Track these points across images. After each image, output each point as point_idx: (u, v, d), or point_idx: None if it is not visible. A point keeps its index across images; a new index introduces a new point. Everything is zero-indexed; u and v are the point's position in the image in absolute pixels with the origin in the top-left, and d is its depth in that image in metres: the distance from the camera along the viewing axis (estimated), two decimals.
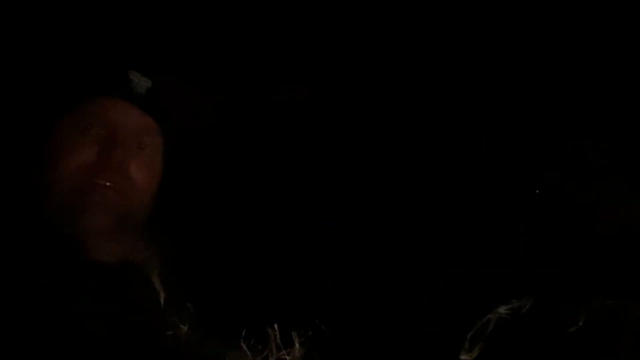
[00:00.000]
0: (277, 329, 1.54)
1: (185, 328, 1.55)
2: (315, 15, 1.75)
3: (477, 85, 1.80)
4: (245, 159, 1.70)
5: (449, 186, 1.72)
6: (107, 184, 1.52)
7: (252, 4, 1.77)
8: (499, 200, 1.71)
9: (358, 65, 1.76)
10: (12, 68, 1.74)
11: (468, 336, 1.56)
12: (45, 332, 1.48)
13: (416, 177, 1.73)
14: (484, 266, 1.63)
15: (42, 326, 1.48)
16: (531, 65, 1.80)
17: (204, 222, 1.64)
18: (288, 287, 1.61)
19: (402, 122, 1.77)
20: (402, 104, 1.78)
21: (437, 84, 1.81)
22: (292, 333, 1.54)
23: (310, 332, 1.55)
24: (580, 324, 1.58)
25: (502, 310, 1.56)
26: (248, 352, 1.50)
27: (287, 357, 1.51)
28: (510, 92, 1.80)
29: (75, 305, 1.50)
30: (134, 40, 1.70)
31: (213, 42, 1.75)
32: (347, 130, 1.74)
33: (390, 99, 1.77)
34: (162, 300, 1.56)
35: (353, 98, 1.76)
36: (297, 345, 1.54)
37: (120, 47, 1.67)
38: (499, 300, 1.57)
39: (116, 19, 1.73)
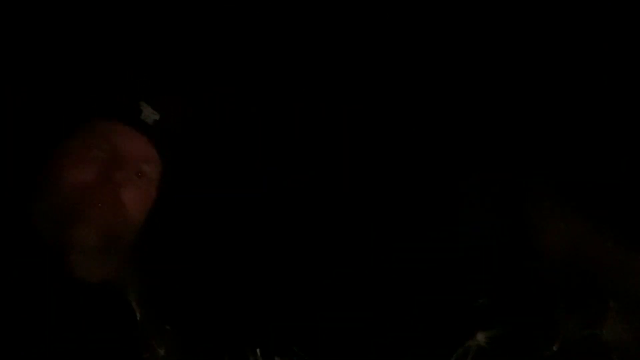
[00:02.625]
0: (259, 355, 1.53)
1: (162, 351, 1.53)
2: (317, 19, 1.74)
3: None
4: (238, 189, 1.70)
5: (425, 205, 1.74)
6: (100, 204, 1.52)
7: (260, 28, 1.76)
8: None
9: (357, 68, 1.76)
10: (33, 82, 1.73)
11: None
12: (22, 344, 1.45)
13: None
14: (462, 293, 1.65)
15: (20, 338, 1.46)
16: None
17: (187, 248, 1.63)
18: (269, 313, 1.59)
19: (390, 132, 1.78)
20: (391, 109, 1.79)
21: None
22: (275, 358, 1.53)
23: (295, 359, 1.54)
24: (554, 349, 1.62)
25: (481, 338, 1.59)
26: None
27: None
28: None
29: (54, 321, 1.48)
30: (149, 72, 1.72)
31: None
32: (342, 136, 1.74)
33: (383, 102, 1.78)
34: (139, 322, 1.53)
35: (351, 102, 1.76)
36: None
37: (136, 77, 1.68)
38: (478, 328, 1.59)
39: (133, 48, 1.74)
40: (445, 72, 1.82)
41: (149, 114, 1.59)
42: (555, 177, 1.74)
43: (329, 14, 1.77)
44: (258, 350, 1.53)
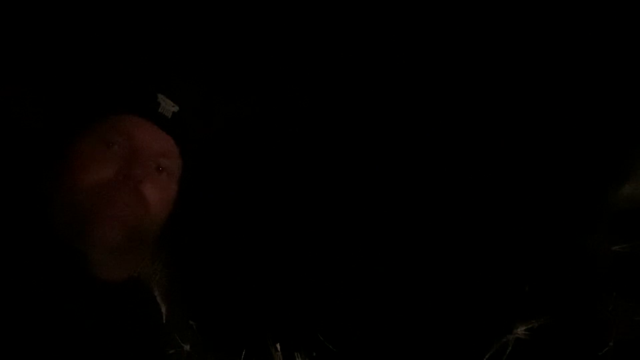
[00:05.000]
0: (279, 349, 1.49)
1: (187, 347, 1.52)
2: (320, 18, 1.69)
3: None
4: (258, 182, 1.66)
5: (466, 199, 1.62)
6: (121, 201, 1.50)
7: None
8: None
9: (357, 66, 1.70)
10: (48, 78, 1.75)
11: (485, 358, 1.46)
12: (48, 345, 1.48)
13: (431, 189, 1.64)
14: (503, 285, 1.52)
15: (45, 340, 1.48)
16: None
17: (210, 244, 1.60)
18: (292, 308, 1.55)
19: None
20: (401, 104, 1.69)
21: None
22: (295, 354, 1.48)
23: (314, 353, 1.49)
24: (611, 344, 1.46)
25: (521, 330, 1.46)
26: None
27: None
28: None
29: (78, 320, 1.50)
30: (166, 64, 1.71)
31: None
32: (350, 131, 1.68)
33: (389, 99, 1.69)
34: (164, 318, 1.53)
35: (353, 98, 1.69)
36: None
37: (153, 69, 1.67)
38: (518, 320, 1.46)
39: (149, 40, 1.74)
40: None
41: (168, 107, 1.55)
42: None
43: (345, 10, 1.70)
44: (278, 345, 1.49)
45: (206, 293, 1.57)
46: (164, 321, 1.54)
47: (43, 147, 1.61)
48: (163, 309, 1.55)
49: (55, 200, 1.55)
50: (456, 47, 1.63)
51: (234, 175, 1.62)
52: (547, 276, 1.52)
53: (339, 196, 1.62)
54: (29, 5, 1.68)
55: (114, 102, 1.57)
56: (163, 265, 1.58)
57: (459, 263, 1.58)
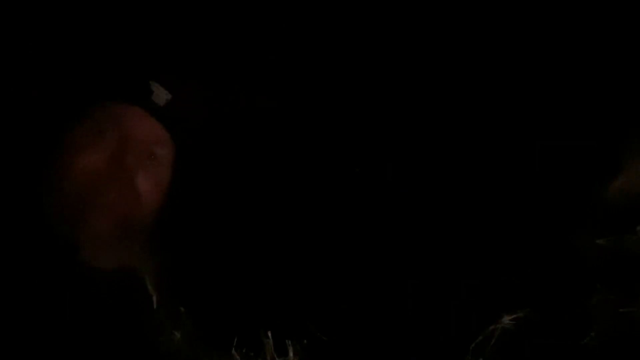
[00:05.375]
0: (271, 337, 1.50)
1: (178, 334, 1.53)
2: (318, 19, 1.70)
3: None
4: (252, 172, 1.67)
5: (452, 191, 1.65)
6: (113, 191, 1.52)
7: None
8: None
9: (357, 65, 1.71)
10: (33, 65, 1.73)
11: (471, 347, 1.50)
12: (40, 334, 1.49)
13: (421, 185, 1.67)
14: (489, 275, 1.56)
15: (37, 328, 1.49)
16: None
17: (203, 231, 1.61)
18: (284, 295, 1.56)
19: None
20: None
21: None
22: (287, 341, 1.50)
23: (305, 341, 1.51)
24: (592, 334, 1.50)
25: (506, 320, 1.49)
26: None
27: None
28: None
29: (69, 308, 1.51)
30: (159, 51, 1.69)
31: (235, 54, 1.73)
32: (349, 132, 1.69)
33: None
34: (155, 306, 1.54)
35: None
36: (291, 354, 1.50)
37: (145, 56, 1.66)
38: (503, 310, 1.49)
39: (142, 28, 1.73)
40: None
41: (161, 95, 1.55)
42: None
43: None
44: (269, 333, 1.51)
45: (198, 281, 1.58)
46: (155, 309, 1.55)
47: (31, 138, 1.59)
48: (154, 297, 1.56)
49: (47, 188, 1.56)
50: (449, 50, 1.65)
51: (226, 164, 1.63)
52: (533, 267, 1.55)
53: (329, 188, 1.63)
54: None
55: (107, 89, 1.57)
56: (155, 253, 1.58)
57: (446, 254, 1.61)
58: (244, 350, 1.49)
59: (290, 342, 1.50)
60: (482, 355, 1.48)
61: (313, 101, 1.66)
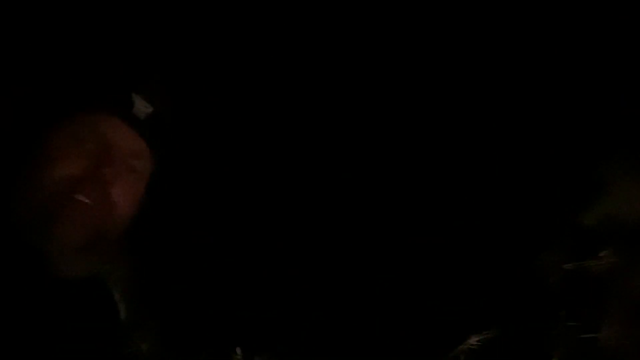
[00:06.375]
0: (240, 353, 1.50)
1: (145, 347, 1.52)
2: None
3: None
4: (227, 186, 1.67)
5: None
6: (87, 200, 1.47)
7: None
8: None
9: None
10: (11, 72, 1.70)
11: None
12: (2, 343, 1.45)
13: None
14: (457, 296, 1.59)
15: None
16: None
17: (174, 244, 1.60)
18: (254, 309, 1.56)
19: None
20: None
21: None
22: (254, 357, 1.50)
23: (274, 358, 1.51)
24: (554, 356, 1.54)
25: (473, 341, 1.52)
26: None
27: None
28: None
29: (34, 317, 1.48)
30: (140, 63, 1.68)
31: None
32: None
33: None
34: (122, 317, 1.53)
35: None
36: None
37: (129, 68, 1.64)
38: (470, 330, 1.52)
39: (125, 40, 1.71)
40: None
41: (142, 107, 1.52)
42: None
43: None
44: (238, 349, 1.51)
45: (167, 293, 1.57)
46: (122, 320, 1.53)
47: (6, 142, 1.56)
48: (122, 308, 1.54)
49: (18, 195, 1.52)
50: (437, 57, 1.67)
51: (203, 178, 1.63)
52: (500, 289, 1.59)
53: (300, 203, 1.65)
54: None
55: (88, 99, 1.53)
56: (124, 264, 1.57)
57: (412, 275, 1.63)
58: None
59: (259, 358, 1.50)
60: None
61: (295, 113, 1.67)
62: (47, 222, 1.47)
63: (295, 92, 1.71)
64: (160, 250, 1.60)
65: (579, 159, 1.62)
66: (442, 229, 1.65)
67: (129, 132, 1.52)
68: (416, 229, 1.65)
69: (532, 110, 1.66)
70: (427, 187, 1.68)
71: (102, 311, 1.53)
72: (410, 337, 1.57)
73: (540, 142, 1.65)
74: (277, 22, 1.73)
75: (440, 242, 1.65)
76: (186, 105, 1.65)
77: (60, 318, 1.49)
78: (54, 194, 1.47)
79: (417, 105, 1.67)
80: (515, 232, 1.63)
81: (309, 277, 1.60)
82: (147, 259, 1.58)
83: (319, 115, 1.72)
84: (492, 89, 1.67)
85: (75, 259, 1.51)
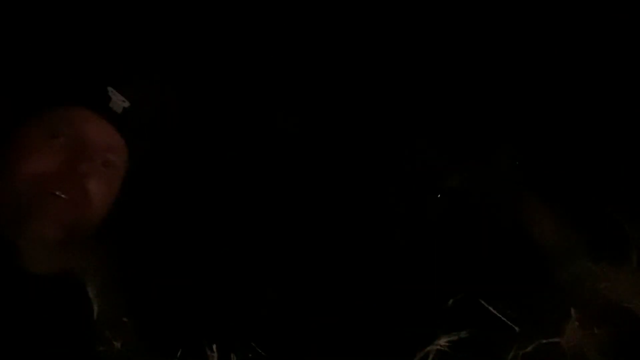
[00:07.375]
0: (215, 350, 1.51)
1: (118, 345, 1.50)
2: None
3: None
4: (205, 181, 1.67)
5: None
6: (63, 195, 1.45)
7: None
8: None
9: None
10: None
11: None
12: None
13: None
14: (426, 298, 1.63)
15: None
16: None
17: (149, 240, 1.59)
18: (229, 308, 1.57)
19: None
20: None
21: None
22: (231, 355, 1.51)
23: (250, 355, 1.53)
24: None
25: (442, 341, 1.57)
26: None
27: None
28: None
29: (8, 314, 1.44)
30: (117, 58, 1.66)
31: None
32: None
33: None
34: (96, 314, 1.51)
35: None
36: None
37: (106, 62, 1.62)
38: (439, 331, 1.57)
39: (102, 34, 1.68)
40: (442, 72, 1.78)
41: (118, 102, 1.50)
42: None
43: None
44: (215, 345, 1.51)
45: (142, 290, 1.56)
46: (95, 317, 1.52)
47: None
48: (95, 305, 1.52)
49: None
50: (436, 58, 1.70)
51: (180, 173, 1.62)
52: (469, 291, 1.64)
53: (278, 202, 1.66)
54: None
55: (64, 93, 1.50)
56: (99, 260, 1.55)
57: (382, 275, 1.67)
58: None
59: (234, 356, 1.51)
60: None
61: (273, 110, 1.68)
62: (22, 217, 1.45)
63: (273, 85, 1.72)
64: (135, 246, 1.59)
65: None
66: (414, 231, 1.70)
67: (105, 126, 1.51)
68: (388, 227, 1.69)
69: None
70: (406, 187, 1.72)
71: (75, 307, 1.51)
72: (380, 336, 1.60)
73: (541, 141, 1.71)
74: (257, 14, 1.73)
75: (407, 241, 1.69)
76: (163, 99, 1.64)
77: (33, 314, 1.46)
78: (29, 188, 1.45)
79: (417, 105, 1.70)
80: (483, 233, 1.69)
81: (280, 274, 1.61)
82: (122, 254, 1.57)
83: (300, 107, 1.72)
84: (493, 90, 1.72)
85: (50, 254, 1.49)
